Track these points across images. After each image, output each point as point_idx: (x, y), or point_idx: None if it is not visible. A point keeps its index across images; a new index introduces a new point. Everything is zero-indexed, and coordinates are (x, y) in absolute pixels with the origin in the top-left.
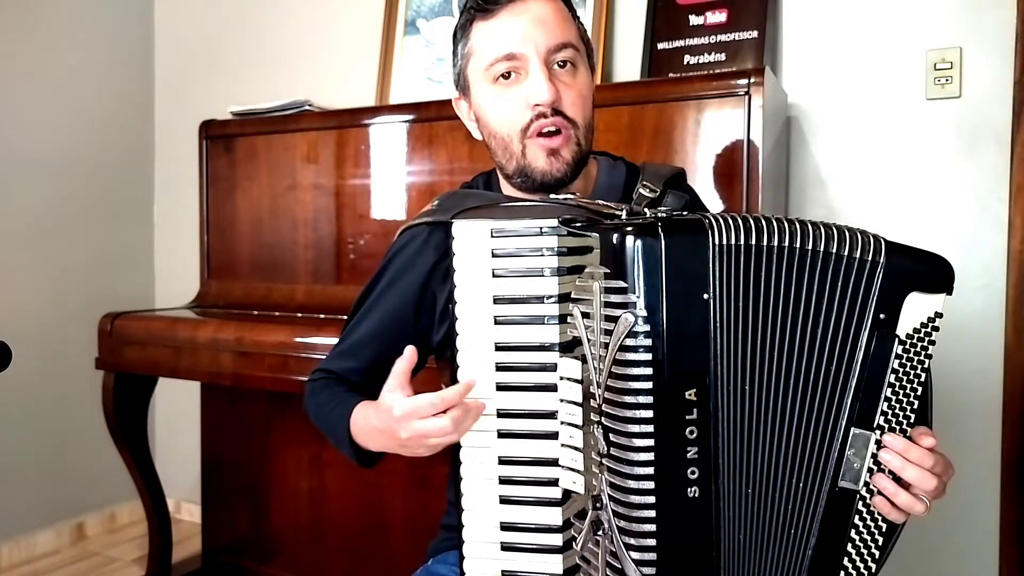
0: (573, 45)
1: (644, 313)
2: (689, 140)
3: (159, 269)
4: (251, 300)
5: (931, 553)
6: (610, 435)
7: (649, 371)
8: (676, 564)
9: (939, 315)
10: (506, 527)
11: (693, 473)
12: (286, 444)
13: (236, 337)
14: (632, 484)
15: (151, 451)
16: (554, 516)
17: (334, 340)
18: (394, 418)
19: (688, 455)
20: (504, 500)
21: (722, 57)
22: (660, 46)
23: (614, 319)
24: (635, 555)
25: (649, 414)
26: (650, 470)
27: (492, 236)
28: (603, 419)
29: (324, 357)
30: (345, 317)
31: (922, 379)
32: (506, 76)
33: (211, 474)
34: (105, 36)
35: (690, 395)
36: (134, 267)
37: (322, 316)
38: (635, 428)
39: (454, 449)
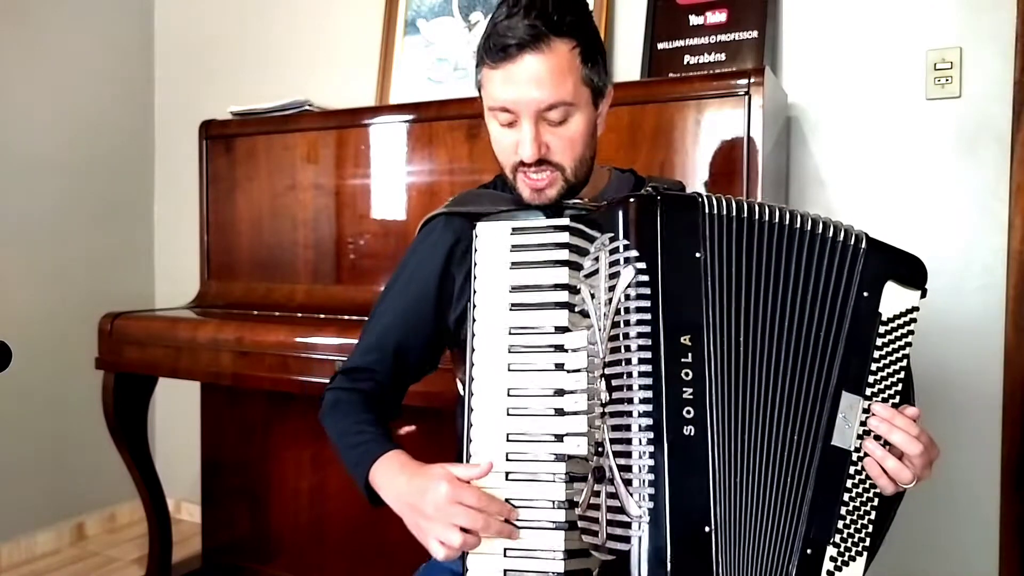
0: (565, 102)
1: (643, 266)
2: (689, 140)
3: (159, 269)
4: (251, 300)
5: (931, 552)
6: (612, 381)
7: (648, 316)
8: (674, 501)
9: (916, 309)
10: (512, 504)
11: (689, 413)
12: (286, 444)
13: (236, 337)
14: (632, 422)
15: (151, 451)
16: (557, 492)
17: (334, 340)
18: (438, 494)
19: (684, 395)
20: (510, 477)
21: (722, 57)
22: (660, 46)
23: (617, 275)
24: (635, 493)
25: (648, 355)
26: (649, 407)
27: (512, 234)
28: (606, 370)
29: (324, 357)
30: (345, 317)
31: (904, 364)
32: (506, 120)
33: (211, 474)
34: (105, 36)
35: (685, 340)
36: (134, 267)
37: (322, 316)
38: (635, 368)
39: (463, 429)
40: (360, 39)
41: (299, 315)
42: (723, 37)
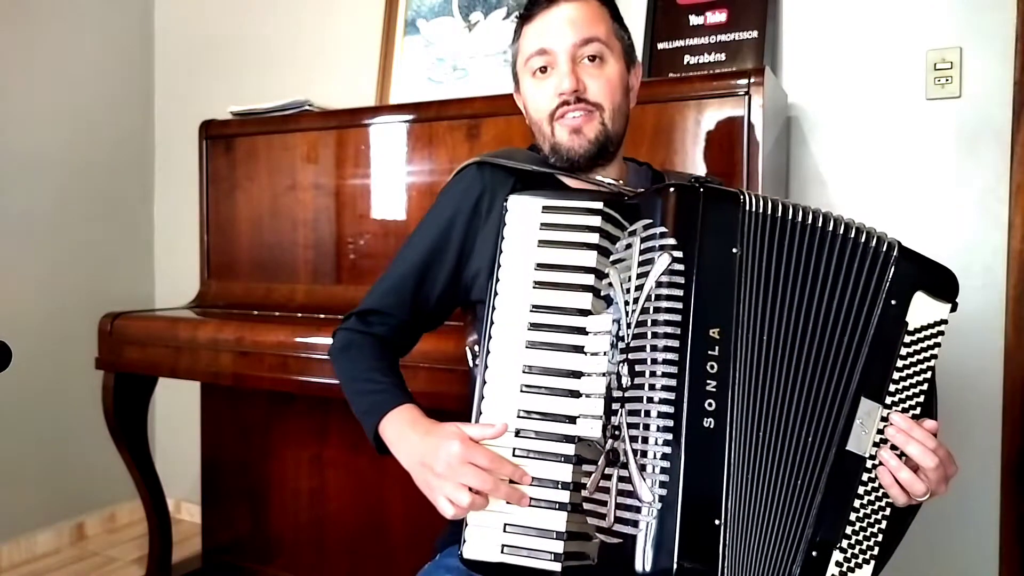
0: (599, 40)
1: (680, 254)
2: (689, 140)
3: (159, 269)
4: (251, 300)
5: (931, 553)
6: (635, 366)
7: (679, 305)
8: (687, 490)
9: (944, 322)
10: (515, 481)
11: (710, 405)
12: (286, 444)
13: (236, 337)
14: (652, 408)
15: (151, 451)
16: (563, 472)
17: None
18: (450, 452)
19: (707, 387)
20: (516, 453)
21: (722, 57)
22: (660, 46)
23: (650, 262)
24: (649, 478)
25: (675, 343)
26: (671, 395)
27: (543, 211)
28: (629, 355)
29: (324, 357)
30: (344, 318)
31: (927, 376)
32: (543, 71)
33: (211, 474)
34: (105, 36)
35: (714, 333)
36: (134, 267)
37: (322, 316)
38: (661, 356)
39: (478, 400)
40: (360, 39)
41: (299, 315)
42: (723, 37)
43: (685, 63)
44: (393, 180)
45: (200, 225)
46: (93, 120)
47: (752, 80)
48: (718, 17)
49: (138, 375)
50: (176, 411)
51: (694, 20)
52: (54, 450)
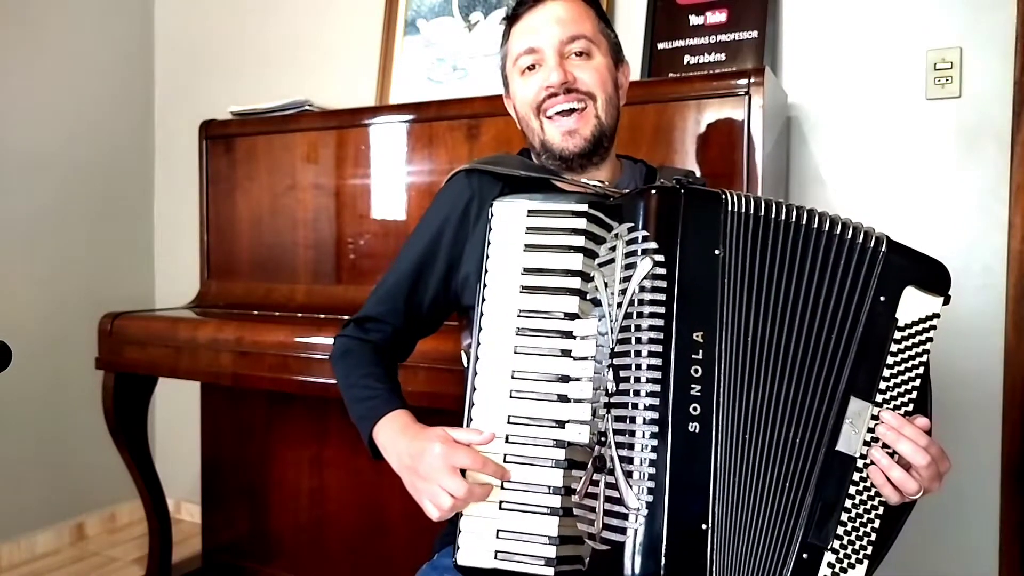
0: (586, 36)
1: (661, 258)
2: (689, 140)
3: (159, 269)
4: (251, 300)
5: (931, 552)
6: (620, 371)
7: (662, 310)
8: (673, 496)
9: (936, 316)
10: (506, 487)
11: (695, 409)
12: (286, 444)
13: (236, 337)
14: (637, 415)
15: (151, 451)
16: (554, 478)
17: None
18: (432, 455)
19: (692, 391)
20: (507, 459)
21: (722, 57)
22: (660, 46)
23: (633, 266)
24: (635, 485)
25: (659, 348)
26: (656, 400)
27: (528, 215)
28: (615, 360)
29: (324, 357)
30: (345, 317)
31: (920, 372)
32: (531, 68)
33: (211, 474)
34: (105, 36)
35: (698, 337)
36: (134, 267)
37: (322, 316)
38: (645, 361)
39: (468, 406)
40: (360, 39)
41: (299, 315)
42: (723, 37)
43: (685, 63)
44: (393, 180)
45: (200, 225)
46: (93, 120)
47: (752, 80)
48: (718, 17)
49: (138, 375)
50: (176, 411)
51: (694, 20)
52: (54, 450)
